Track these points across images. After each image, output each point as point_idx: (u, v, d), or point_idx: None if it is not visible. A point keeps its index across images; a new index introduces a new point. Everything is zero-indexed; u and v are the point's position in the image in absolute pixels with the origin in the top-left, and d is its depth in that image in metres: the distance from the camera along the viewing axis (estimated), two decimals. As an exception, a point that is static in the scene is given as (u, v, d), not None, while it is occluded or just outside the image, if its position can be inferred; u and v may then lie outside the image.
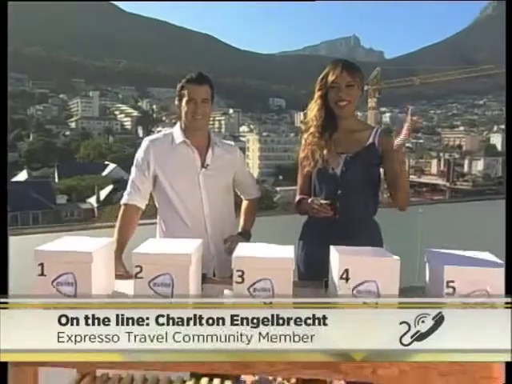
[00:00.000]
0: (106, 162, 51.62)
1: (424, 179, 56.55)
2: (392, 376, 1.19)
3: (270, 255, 1.37)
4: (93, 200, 35.82)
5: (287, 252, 1.38)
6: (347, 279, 1.31)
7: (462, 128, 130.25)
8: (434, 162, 61.23)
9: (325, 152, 1.79)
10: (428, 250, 1.46)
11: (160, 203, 1.92)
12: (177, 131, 1.89)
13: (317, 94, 1.83)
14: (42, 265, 1.37)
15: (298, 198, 1.92)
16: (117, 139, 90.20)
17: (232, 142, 2.10)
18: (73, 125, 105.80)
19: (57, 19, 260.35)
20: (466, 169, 61.03)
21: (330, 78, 1.77)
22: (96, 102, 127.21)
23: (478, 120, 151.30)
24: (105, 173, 44.41)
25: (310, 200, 1.78)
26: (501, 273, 1.27)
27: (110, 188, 35.84)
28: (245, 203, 2.08)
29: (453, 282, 1.27)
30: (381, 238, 1.85)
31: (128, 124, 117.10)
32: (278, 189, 41.48)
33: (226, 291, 1.53)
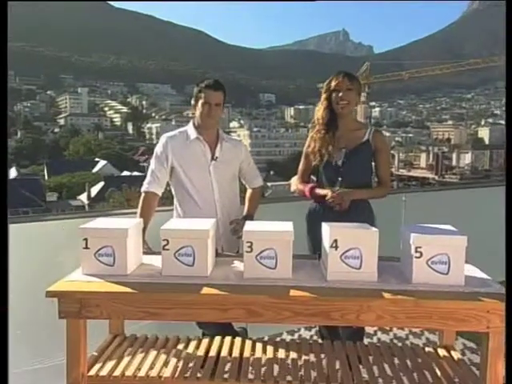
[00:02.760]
0: (96, 159, 51.29)
1: (413, 173, 57.04)
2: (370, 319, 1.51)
3: (274, 229, 1.68)
4: (83, 197, 35.58)
5: (287, 227, 1.69)
6: (336, 247, 1.63)
7: (450, 122, 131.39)
8: (423, 155, 61.61)
9: (330, 148, 2.15)
10: (402, 226, 1.78)
11: (176, 189, 2.23)
12: (191, 129, 2.20)
13: (323, 97, 2.20)
14: (86, 240, 1.66)
15: (301, 186, 2.28)
16: (106, 135, 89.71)
17: (237, 138, 2.40)
18: (61, 121, 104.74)
19: (44, 15, 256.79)
20: (454, 162, 61.61)
21: (333, 83, 2.15)
22: (85, 98, 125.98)
23: (466, 114, 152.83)
24: (95, 169, 44.13)
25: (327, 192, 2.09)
26: (458, 240, 1.59)
27: (100, 185, 35.66)
28: (249, 191, 2.40)
29: (420, 247, 1.59)
30: (373, 218, 2.17)
31: (117, 120, 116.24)
32: (269, 184, 41.59)
33: (236, 261, 1.84)
